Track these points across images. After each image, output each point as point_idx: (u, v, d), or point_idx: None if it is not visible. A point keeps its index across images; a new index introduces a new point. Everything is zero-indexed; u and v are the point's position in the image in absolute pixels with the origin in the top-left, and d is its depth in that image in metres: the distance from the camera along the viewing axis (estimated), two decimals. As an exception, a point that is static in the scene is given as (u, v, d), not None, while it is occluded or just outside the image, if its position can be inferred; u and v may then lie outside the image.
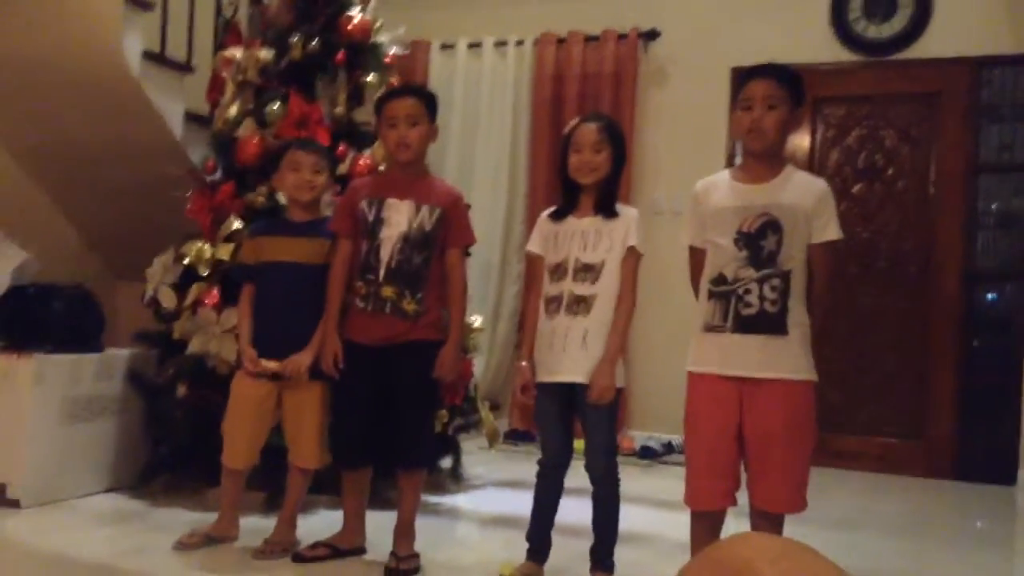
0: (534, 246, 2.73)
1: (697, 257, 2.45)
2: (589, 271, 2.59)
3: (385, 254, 2.71)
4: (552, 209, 2.73)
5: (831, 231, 2.33)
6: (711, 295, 2.35)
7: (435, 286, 2.76)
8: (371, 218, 2.74)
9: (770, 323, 2.28)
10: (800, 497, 2.32)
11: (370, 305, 2.71)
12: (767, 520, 2.32)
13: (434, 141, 2.86)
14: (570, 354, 2.56)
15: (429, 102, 2.80)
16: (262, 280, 2.90)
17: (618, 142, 2.65)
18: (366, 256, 2.73)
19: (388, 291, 2.69)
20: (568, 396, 2.60)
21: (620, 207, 2.65)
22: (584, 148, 2.60)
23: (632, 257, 2.60)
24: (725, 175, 2.45)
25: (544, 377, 2.62)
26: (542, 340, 2.64)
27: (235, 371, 2.97)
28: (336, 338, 2.74)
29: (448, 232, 2.77)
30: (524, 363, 2.67)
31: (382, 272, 2.70)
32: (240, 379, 2.91)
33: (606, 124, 2.66)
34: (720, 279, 2.33)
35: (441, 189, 2.84)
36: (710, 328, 2.35)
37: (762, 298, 2.28)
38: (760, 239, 2.29)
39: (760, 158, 2.37)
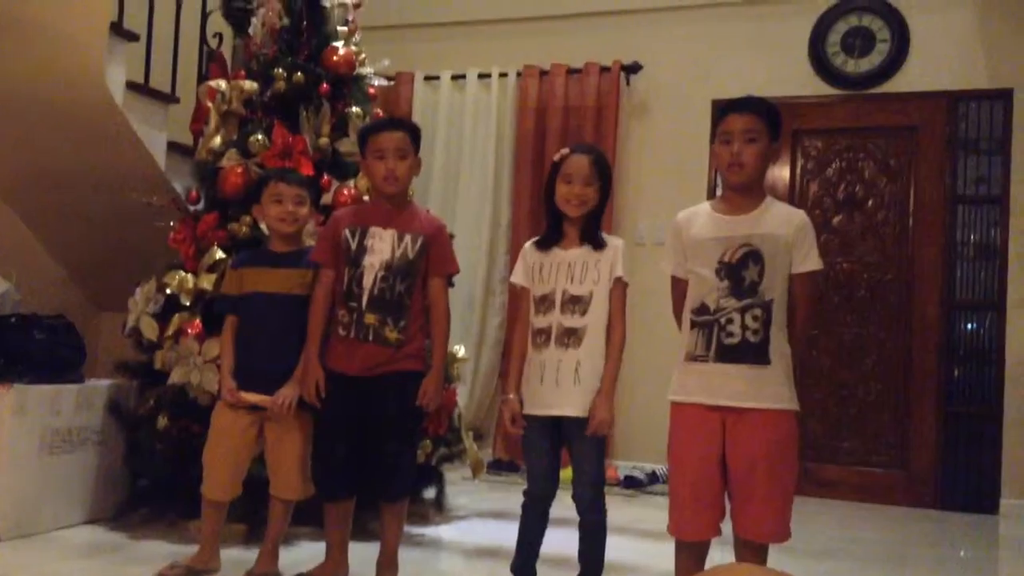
0: (518, 278, 2.73)
1: (679, 287, 2.46)
2: (578, 303, 2.59)
3: (368, 282, 2.71)
4: (536, 239, 2.74)
5: (812, 261, 2.35)
6: (693, 325, 2.37)
7: (418, 315, 2.76)
8: (354, 246, 2.74)
9: (752, 353, 2.29)
10: (784, 527, 2.32)
11: (352, 333, 2.71)
12: (751, 550, 2.32)
13: (418, 174, 2.88)
14: (563, 388, 2.55)
15: (415, 135, 2.83)
16: (244, 311, 2.90)
17: (606, 175, 2.67)
18: (348, 284, 2.73)
19: (371, 319, 2.69)
20: (556, 427, 2.60)
21: (606, 237, 2.66)
22: (575, 180, 2.60)
23: (620, 287, 2.60)
24: (706, 206, 2.47)
25: (534, 410, 2.61)
26: (531, 372, 2.63)
27: (216, 402, 2.95)
28: (318, 366, 2.73)
29: (431, 261, 2.77)
30: (512, 395, 2.66)
31: (365, 300, 2.70)
32: (220, 411, 2.89)
33: (597, 157, 2.66)
34: (702, 309, 2.35)
35: (424, 218, 2.85)
36: (692, 358, 2.36)
37: (744, 328, 2.29)
38: (742, 269, 2.31)
39: (740, 190, 2.40)
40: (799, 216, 2.40)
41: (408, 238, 2.74)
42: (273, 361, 2.82)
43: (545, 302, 2.63)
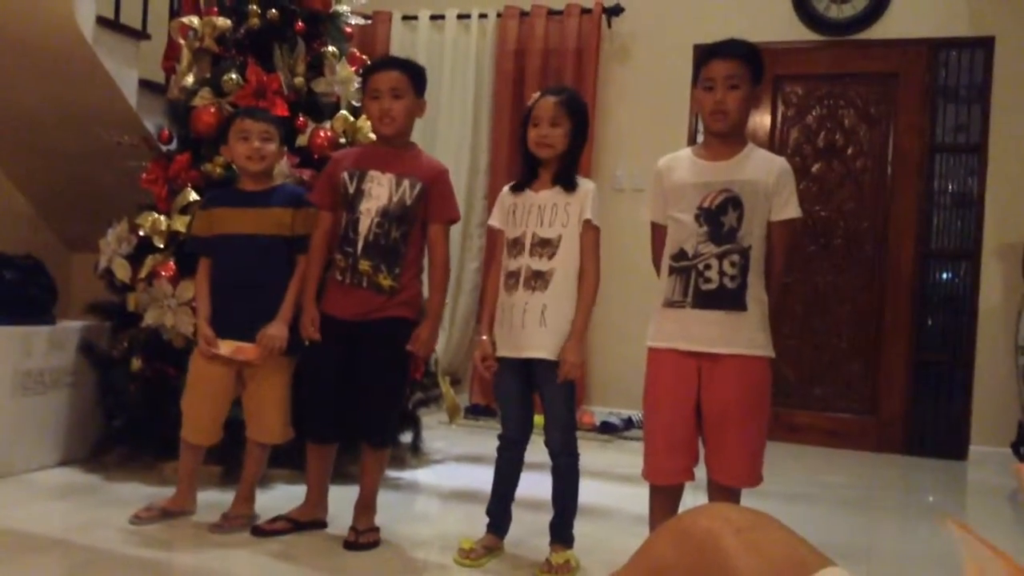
0: (495, 220, 2.72)
1: (659, 234, 2.45)
2: (546, 246, 2.58)
3: (363, 227, 2.67)
4: (513, 183, 2.71)
5: (791, 209, 2.35)
6: (672, 271, 2.36)
7: (414, 262, 2.73)
8: (352, 190, 2.71)
9: (729, 298, 2.29)
10: (756, 471, 2.35)
11: (347, 278, 2.69)
12: (724, 494, 2.34)
13: (420, 116, 2.82)
14: (529, 330, 2.55)
15: (415, 76, 2.76)
16: (217, 255, 2.85)
17: (578, 116, 2.63)
18: (345, 229, 2.70)
19: (365, 265, 2.66)
20: (528, 371, 2.60)
21: (579, 180, 2.63)
22: (542, 122, 2.58)
23: (590, 231, 2.59)
24: (687, 152, 2.46)
25: (505, 352, 2.62)
26: (501, 315, 2.63)
27: (191, 344, 2.92)
28: (315, 307, 2.72)
29: (430, 207, 2.73)
30: (484, 336, 2.67)
31: (359, 246, 2.67)
32: (197, 357, 2.85)
33: (566, 98, 2.63)
34: (681, 255, 2.34)
35: (426, 163, 2.79)
36: (670, 304, 2.36)
37: (722, 273, 2.29)
38: (721, 215, 2.30)
39: (722, 136, 2.38)
40: (780, 163, 2.38)
41: (407, 183, 2.70)
42: (247, 306, 2.78)
43: (516, 245, 2.62)
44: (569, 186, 2.60)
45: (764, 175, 2.33)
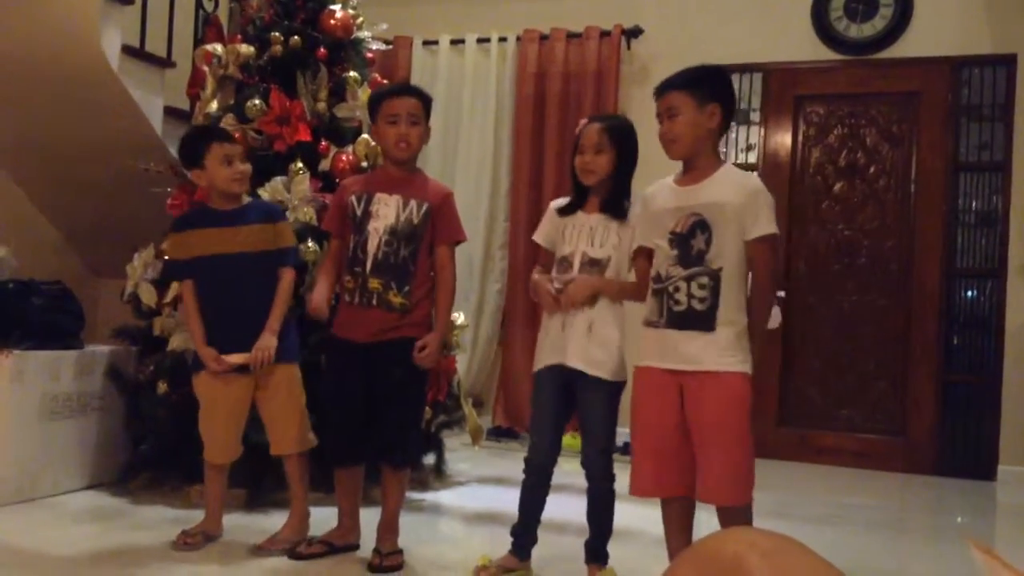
0: (540, 236, 2.75)
1: (639, 258, 2.49)
2: (595, 265, 2.60)
3: (372, 247, 2.71)
4: (562, 202, 2.73)
5: (762, 226, 2.31)
6: (652, 292, 2.41)
7: (423, 282, 2.76)
8: (359, 212, 2.74)
9: (698, 320, 2.30)
10: (738, 489, 2.29)
11: (357, 299, 2.71)
12: (727, 515, 2.30)
13: (427, 142, 2.88)
14: (574, 341, 2.56)
15: (427, 103, 2.82)
16: (202, 276, 2.83)
17: (625, 142, 2.65)
18: (354, 250, 2.74)
19: (375, 283, 2.70)
20: (567, 390, 2.59)
21: (630, 208, 2.63)
22: (586, 150, 2.62)
23: None
24: (669, 179, 2.49)
25: (546, 361, 2.62)
26: (549, 324, 2.64)
27: (198, 373, 2.88)
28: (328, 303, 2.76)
29: (437, 229, 2.77)
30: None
31: (369, 264, 2.71)
32: (205, 381, 2.83)
33: (610, 124, 2.66)
34: (657, 277, 2.39)
35: (431, 186, 2.84)
36: (648, 323, 2.40)
37: (690, 296, 2.31)
38: (690, 238, 2.33)
39: (689, 162, 2.41)
40: (751, 182, 2.39)
41: (413, 204, 2.74)
42: (246, 322, 2.78)
43: (564, 263, 2.64)
44: (617, 215, 2.62)
45: (731, 196, 2.32)
